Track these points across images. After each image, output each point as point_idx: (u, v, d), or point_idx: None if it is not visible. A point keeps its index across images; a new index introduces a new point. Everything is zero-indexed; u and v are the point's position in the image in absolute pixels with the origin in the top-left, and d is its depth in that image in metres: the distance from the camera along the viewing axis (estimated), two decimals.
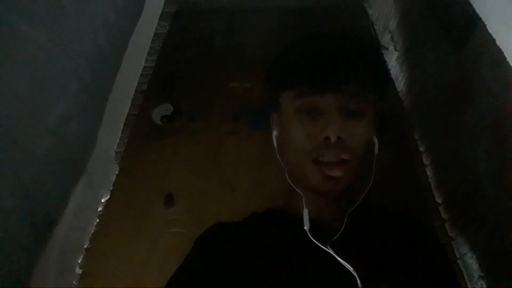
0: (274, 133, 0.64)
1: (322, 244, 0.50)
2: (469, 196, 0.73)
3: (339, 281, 0.47)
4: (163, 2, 1.36)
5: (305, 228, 0.53)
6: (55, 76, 0.71)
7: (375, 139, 0.59)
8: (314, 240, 0.51)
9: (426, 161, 0.94)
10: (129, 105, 1.13)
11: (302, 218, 0.54)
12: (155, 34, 1.30)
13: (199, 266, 0.53)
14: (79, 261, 0.86)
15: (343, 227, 0.54)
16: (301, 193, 0.57)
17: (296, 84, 0.56)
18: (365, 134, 0.55)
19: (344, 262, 0.48)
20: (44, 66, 0.68)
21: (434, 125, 0.90)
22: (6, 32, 0.58)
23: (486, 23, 0.64)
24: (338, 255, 0.49)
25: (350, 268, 0.47)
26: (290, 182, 0.59)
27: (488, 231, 0.68)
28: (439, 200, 0.86)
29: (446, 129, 0.83)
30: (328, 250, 0.50)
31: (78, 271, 0.85)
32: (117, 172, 1.00)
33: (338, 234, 0.52)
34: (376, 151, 0.59)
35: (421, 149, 0.97)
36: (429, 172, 0.92)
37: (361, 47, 0.59)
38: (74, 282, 0.83)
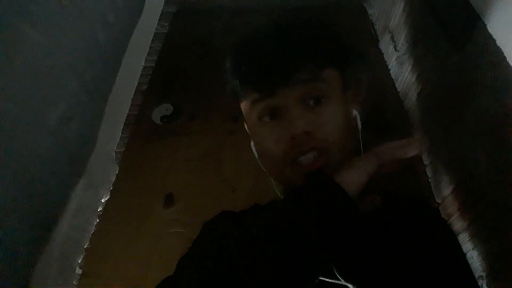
0: (252, 143, 0.61)
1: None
2: (469, 196, 0.73)
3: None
4: (163, 2, 1.36)
5: None
6: (55, 76, 0.71)
7: (356, 113, 0.55)
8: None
9: (426, 161, 0.94)
10: (129, 105, 1.13)
11: None
12: (155, 34, 1.30)
13: (206, 248, 0.53)
14: (79, 261, 0.86)
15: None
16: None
17: (244, 92, 0.53)
18: (334, 117, 0.51)
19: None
20: (44, 66, 0.68)
21: (434, 125, 0.90)
22: (6, 32, 0.58)
23: (486, 23, 0.64)
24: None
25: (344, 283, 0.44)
26: (276, 190, 0.58)
27: (488, 231, 0.68)
28: (439, 200, 0.86)
29: (446, 130, 0.83)
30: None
31: (78, 271, 0.85)
32: (117, 172, 1.00)
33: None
34: (360, 126, 0.55)
35: None
36: (429, 172, 0.92)
37: (300, 28, 0.54)
38: (74, 282, 0.83)
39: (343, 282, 0.43)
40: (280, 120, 0.51)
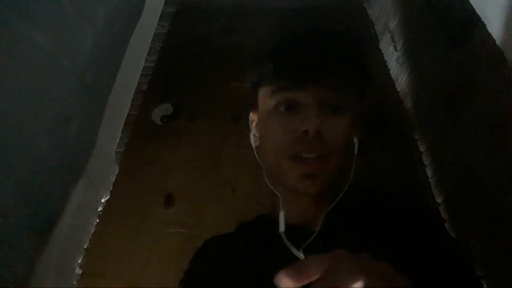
0: (252, 132, 0.62)
1: (296, 248, 0.48)
2: (469, 196, 0.73)
3: None
4: (163, 2, 1.36)
5: (279, 231, 0.50)
6: (55, 76, 0.71)
7: (356, 140, 0.56)
8: (287, 244, 0.48)
9: (426, 161, 0.94)
10: (129, 105, 1.13)
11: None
12: (155, 34, 1.30)
13: (197, 282, 0.53)
14: (79, 261, 0.86)
15: (317, 229, 0.51)
16: (278, 194, 0.55)
17: (273, 78, 0.55)
18: (345, 131, 0.53)
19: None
20: (44, 66, 0.68)
21: (434, 125, 0.90)
22: (6, 32, 0.58)
23: (486, 23, 0.64)
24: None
25: None
26: (268, 182, 0.57)
27: (488, 231, 0.68)
28: (439, 200, 0.86)
29: (446, 129, 0.83)
30: (299, 255, 0.47)
31: (78, 271, 0.85)
32: (117, 172, 1.00)
33: (311, 238, 0.50)
34: (356, 151, 0.57)
35: (421, 149, 0.97)
36: (429, 172, 0.92)
37: (342, 42, 0.58)
38: (74, 282, 0.83)
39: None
40: (297, 114, 0.52)
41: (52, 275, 0.75)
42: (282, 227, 0.51)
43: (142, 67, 1.22)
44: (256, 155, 0.60)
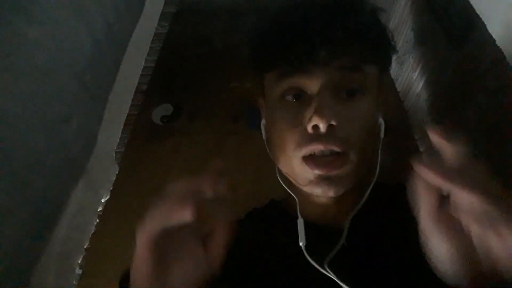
0: (263, 122, 0.55)
1: (319, 262, 0.42)
2: None
3: None
4: (163, 2, 1.36)
5: (300, 244, 0.44)
6: (55, 76, 0.71)
7: (381, 121, 0.48)
8: (310, 260, 0.42)
9: None
10: (129, 105, 1.13)
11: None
12: (155, 34, 1.30)
13: None
14: (79, 261, 0.86)
15: (342, 240, 0.44)
16: (294, 196, 0.49)
17: (276, 63, 0.46)
18: (365, 117, 0.44)
19: (344, 286, 0.39)
20: (43, 65, 0.68)
21: (434, 125, 0.90)
22: (5, 31, 0.58)
23: (486, 23, 0.64)
24: (337, 275, 0.40)
25: None
26: (282, 183, 0.51)
27: None
28: None
29: (445, 129, 0.83)
30: (325, 272, 0.41)
31: (78, 271, 0.85)
32: (117, 172, 1.00)
33: (335, 251, 0.43)
34: (382, 135, 0.48)
35: (421, 149, 0.97)
36: None
37: (353, 11, 0.47)
38: (74, 282, 0.83)
39: (339, 283, 0.41)
40: (305, 104, 0.44)
41: (52, 275, 0.75)
42: (302, 239, 0.44)
43: (142, 67, 1.22)
44: (267, 148, 0.53)
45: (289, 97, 0.46)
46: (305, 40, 0.44)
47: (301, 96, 0.46)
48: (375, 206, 0.47)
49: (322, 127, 0.41)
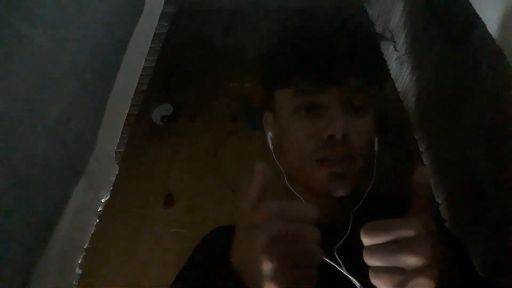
0: (269, 134, 0.60)
1: (327, 251, 0.44)
2: (469, 196, 0.73)
3: None
4: (163, 2, 1.36)
5: None
6: (55, 76, 0.71)
7: (375, 138, 0.56)
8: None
9: (426, 161, 0.94)
10: (129, 105, 1.13)
11: None
12: (155, 34, 1.30)
13: (199, 270, 0.52)
14: (79, 261, 0.86)
15: (349, 230, 0.50)
16: (302, 199, 0.54)
17: (293, 80, 0.52)
18: (368, 131, 0.52)
19: (353, 279, 0.44)
20: (44, 66, 0.68)
21: (434, 125, 0.90)
22: (6, 32, 0.58)
23: (486, 23, 0.64)
24: (344, 264, 0.45)
25: (357, 284, 0.43)
26: (290, 186, 0.56)
27: (488, 231, 0.68)
28: (439, 200, 0.86)
29: (446, 129, 0.83)
30: (332, 262, 0.45)
31: (78, 271, 0.85)
32: (117, 172, 1.00)
33: (344, 238, 0.49)
34: (376, 149, 0.56)
35: (421, 149, 0.97)
36: None
37: (358, 40, 0.55)
38: (74, 282, 0.83)
39: (350, 279, 0.44)
40: (319, 117, 0.50)
41: (52, 275, 0.75)
42: None
43: (142, 67, 1.22)
44: (275, 158, 0.58)
45: (303, 112, 0.52)
46: (321, 62, 0.50)
47: (314, 110, 0.52)
48: (373, 204, 0.53)
49: (338, 136, 0.48)
